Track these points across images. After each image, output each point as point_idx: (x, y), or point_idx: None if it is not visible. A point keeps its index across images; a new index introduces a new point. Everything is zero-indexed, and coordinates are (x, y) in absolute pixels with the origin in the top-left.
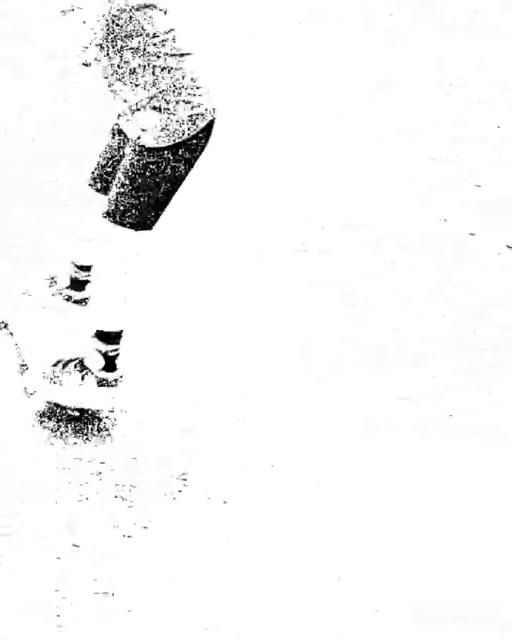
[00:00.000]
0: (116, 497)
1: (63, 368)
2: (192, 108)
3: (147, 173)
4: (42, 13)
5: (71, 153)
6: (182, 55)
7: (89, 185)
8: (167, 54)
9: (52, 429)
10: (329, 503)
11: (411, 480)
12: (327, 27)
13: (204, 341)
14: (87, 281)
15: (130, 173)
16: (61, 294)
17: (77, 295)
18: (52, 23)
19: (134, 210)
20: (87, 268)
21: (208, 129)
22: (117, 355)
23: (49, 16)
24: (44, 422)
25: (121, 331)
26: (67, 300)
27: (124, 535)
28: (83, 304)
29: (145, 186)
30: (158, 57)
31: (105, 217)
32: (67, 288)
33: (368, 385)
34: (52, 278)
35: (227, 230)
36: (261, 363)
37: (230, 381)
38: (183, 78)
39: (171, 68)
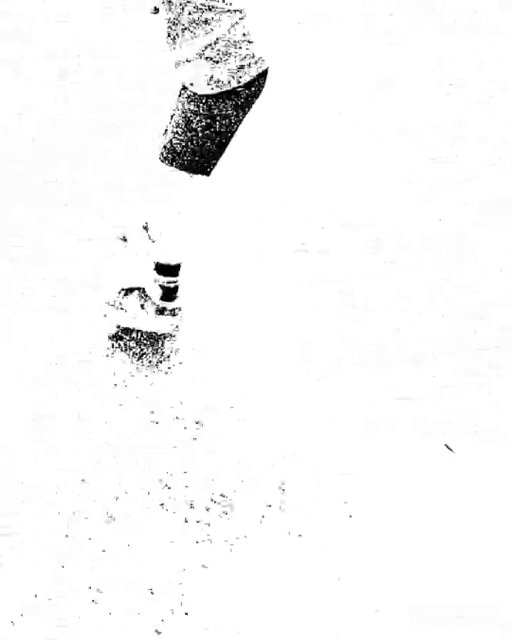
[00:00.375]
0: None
1: (126, 295)
2: (241, 60)
3: (197, 119)
4: (42, 14)
5: (71, 153)
6: (235, 11)
7: (161, 134)
8: (221, 10)
9: (121, 349)
10: (329, 503)
11: (411, 480)
12: (327, 27)
13: (203, 341)
14: None
15: (182, 119)
16: (151, 237)
17: None
18: (52, 23)
19: (184, 154)
20: None
21: (257, 80)
22: (175, 287)
23: (49, 16)
24: (113, 343)
25: (177, 266)
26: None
27: (122, 533)
28: None
29: (195, 131)
30: (211, 10)
31: (161, 160)
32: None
33: (368, 385)
34: (145, 226)
35: (227, 230)
36: (261, 363)
37: (230, 381)
38: (233, 32)
39: (223, 22)
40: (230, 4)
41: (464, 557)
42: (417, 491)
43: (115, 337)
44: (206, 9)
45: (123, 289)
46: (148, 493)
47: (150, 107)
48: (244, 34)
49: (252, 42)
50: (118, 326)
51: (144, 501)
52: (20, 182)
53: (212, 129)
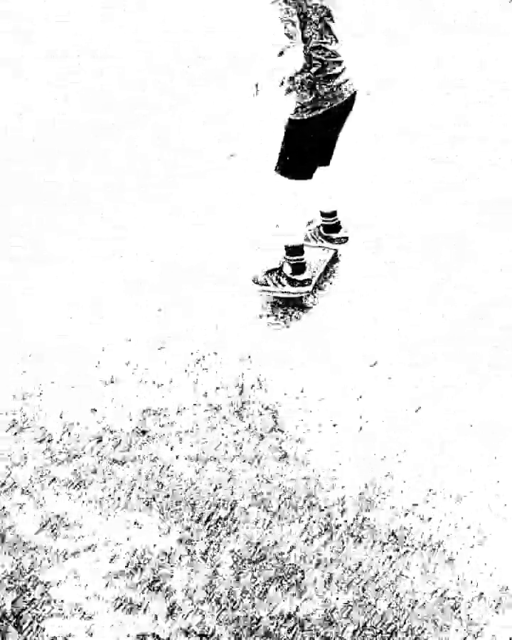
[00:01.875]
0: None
1: (268, 273)
2: (317, 96)
3: (290, 136)
4: (42, 14)
5: (71, 153)
6: (323, 59)
7: None
8: (320, 57)
9: (270, 312)
10: (329, 503)
11: (411, 480)
12: None
13: (204, 341)
14: (337, 225)
15: (283, 136)
16: (317, 237)
17: (334, 235)
18: (52, 23)
19: (284, 162)
20: (331, 214)
21: (338, 108)
22: (302, 263)
23: (49, 16)
24: (268, 307)
25: (300, 247)
26: (326, 239)
27: None
28: (338, 242)
29: (289, 146)
30: (311, 57)
31: (275, 170)
32: (325, 231)
33: (368, 385)
34: (310, 222)
35: (227, 230)
36: (261, 363)
37: (231, 381)
38: (319, 73)
39: (314, 67)
40: (331, 56)
41: (465, 557)
42: (417, 491)
43: (269, 303)
44: (309, 56)
45: (267, 270)
46: None
47: (150, 107)
48: (324, 76)
49: (331, 83)
50: (275, 298)
51: None
52: (20, 182)
53: (299, 144)
